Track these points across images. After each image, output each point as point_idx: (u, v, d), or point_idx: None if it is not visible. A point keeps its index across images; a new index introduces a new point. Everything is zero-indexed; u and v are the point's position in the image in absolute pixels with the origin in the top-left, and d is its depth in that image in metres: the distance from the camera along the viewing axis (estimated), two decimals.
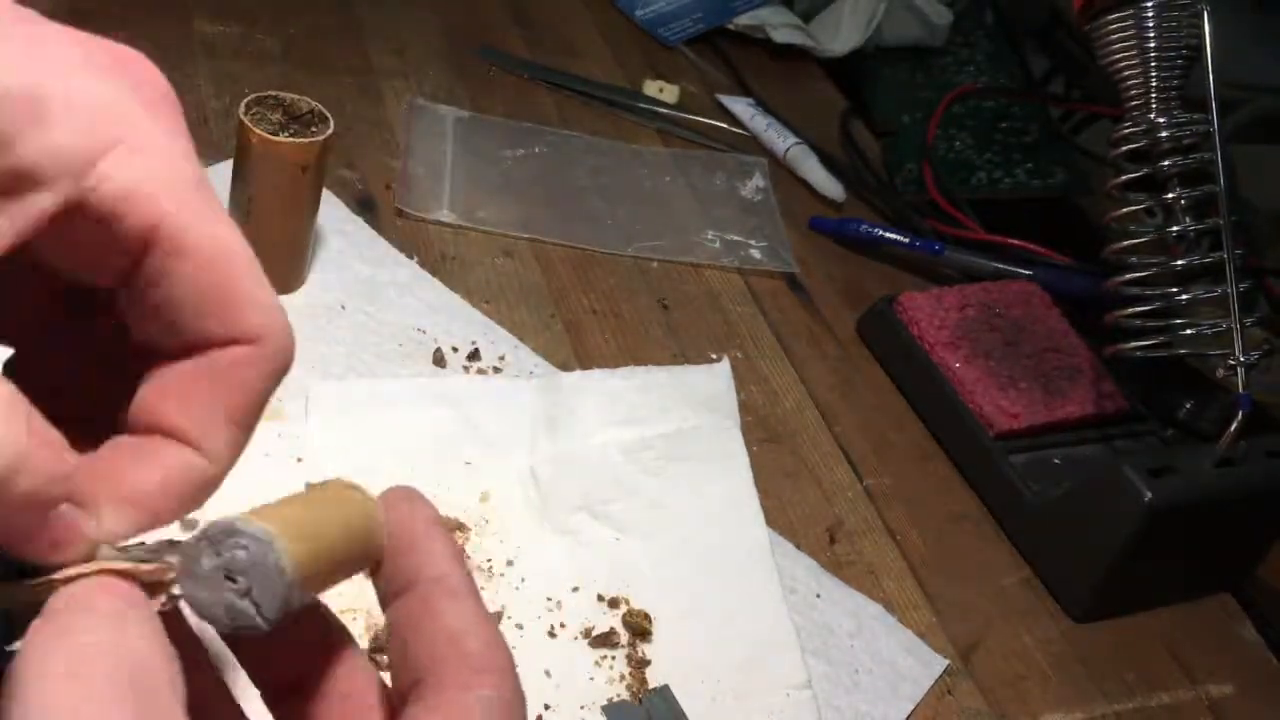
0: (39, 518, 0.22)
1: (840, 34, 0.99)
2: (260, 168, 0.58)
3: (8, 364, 0.27)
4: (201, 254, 0.24)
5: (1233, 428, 0.60)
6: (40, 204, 0.22)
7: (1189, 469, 0.61)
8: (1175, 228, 0.63)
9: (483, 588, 0.54)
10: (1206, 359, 0.66)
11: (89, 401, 0.26)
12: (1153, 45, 0.62)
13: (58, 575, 0.23)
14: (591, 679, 0.52)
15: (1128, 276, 0.65)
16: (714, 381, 0.66)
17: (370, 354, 0.62)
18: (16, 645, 0.21)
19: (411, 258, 0.69)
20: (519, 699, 0.25)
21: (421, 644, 0.25)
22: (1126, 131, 0.64)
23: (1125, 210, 0.66)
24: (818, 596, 0.59)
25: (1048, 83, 1.06)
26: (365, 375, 0.61)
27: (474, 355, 0.64)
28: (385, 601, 0.27)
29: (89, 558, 0.23)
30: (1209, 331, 0.62)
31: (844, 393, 0.72)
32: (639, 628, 0.54)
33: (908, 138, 0.94)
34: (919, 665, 0.58)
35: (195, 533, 0.24)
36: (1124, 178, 0.65)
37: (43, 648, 0.21)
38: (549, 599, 0.54)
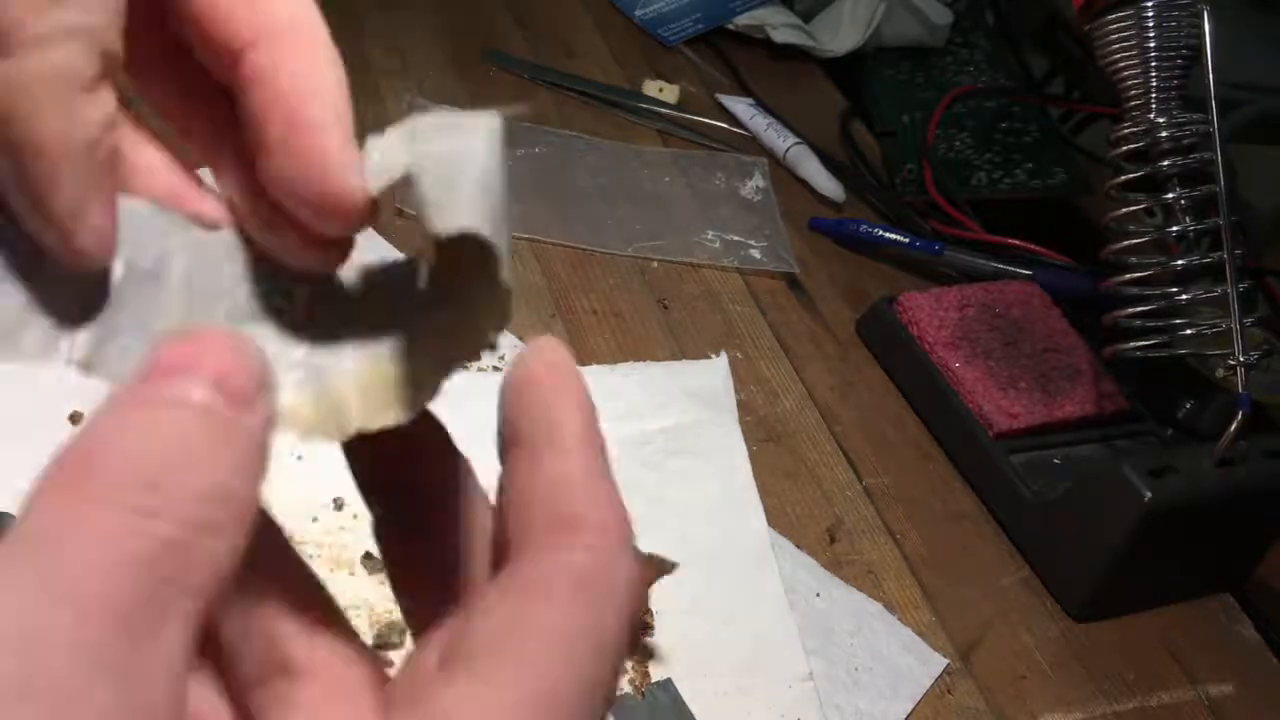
0: None
1: (840, 34, 0.99)
2: None
3: None
4: None
5: (1232, 428, 0.60)
6: None
7: (1189, 469, 0.61)
8: (1175, 228, 0.63)
9: None
10: (1206, 359, 0.66)
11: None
12: (1153, 45, 0.62)
13: None
14: None
15: (1127, 276, 0.65)
16: (712, 377, 0.66)
17: None
18: None
19: None
20: (626, 570, 0.21)
21: (517, 504, 0.22)
22: (1126, 131, 0.64)
23: (1125, 210, 0.66)
24: (817, 596, 0.59)
25: (1048, 83, 1.06)
26: None
27: None
28: (500, 460, 0.23)
29: None
30: (1209, 331, 0.62)
31: (844, 393, 0.72)
32: (641, 622, 0.54)
33: (908, 138, 0.94)
34: (919, 664, 0.58)
35: None
36: (1124, 178, 0.65)
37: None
38: None
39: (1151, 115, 0.63)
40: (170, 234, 0.24)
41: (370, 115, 0.79)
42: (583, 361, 0.67)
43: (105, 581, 0.16)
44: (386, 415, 0.23)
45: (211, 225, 0.25)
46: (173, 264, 0.24)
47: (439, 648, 0.21)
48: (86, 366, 0.23)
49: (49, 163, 0.21)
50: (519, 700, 0.19)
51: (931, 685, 0.57)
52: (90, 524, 0.17)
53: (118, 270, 0.23)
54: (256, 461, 0.19)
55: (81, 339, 0.23)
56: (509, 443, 0.23)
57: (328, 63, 0.24)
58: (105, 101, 0.22)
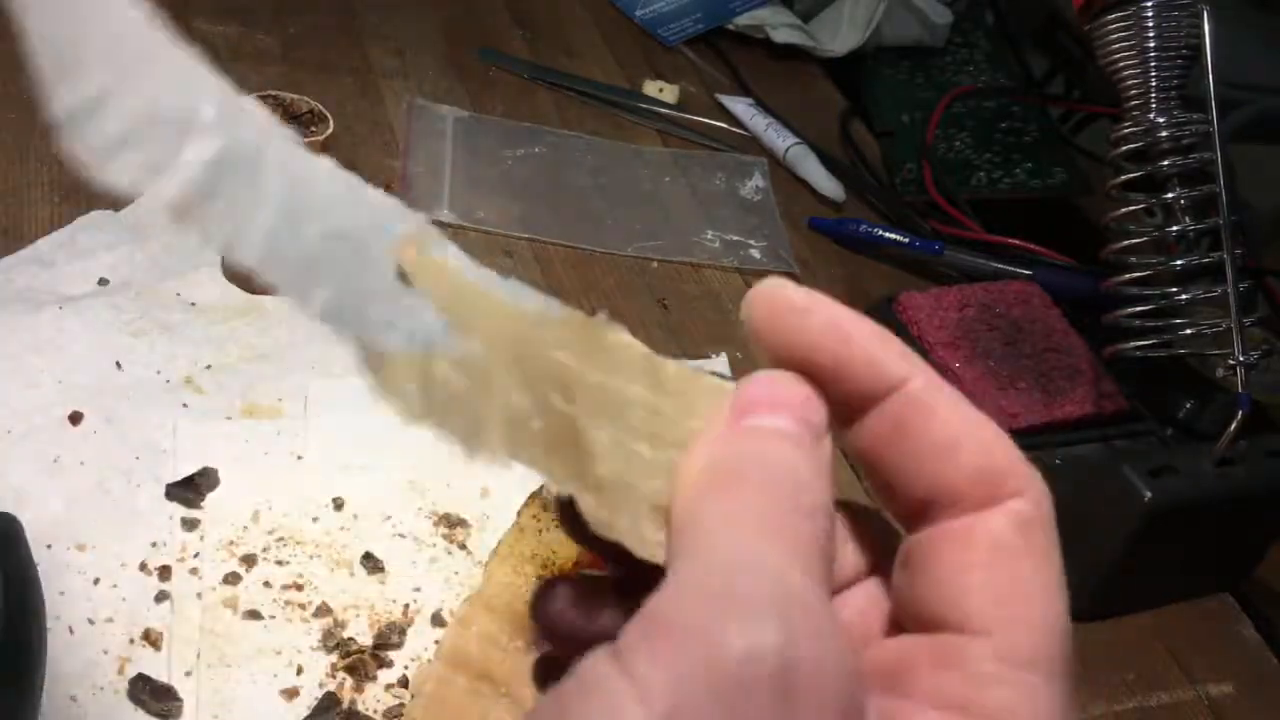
0: None
1: (840, 34, 0.99)
2: None
3: None
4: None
5: (1232, 428, 0.60)
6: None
7: (1189, 469, 0.61)
8: (1175, 228, 0.63)
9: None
10: (1206, 359, 0.66)
11: None
12: (1152, 45, 0.62)
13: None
14: None
15: (1127, 276, 0.65)
16: None
17: None
18: None
19: None
20: (1051, 512, 0.24)
21: (919, 457, 0.23)
22: (1126, 131, 0.64)
23: (1125, 210, 0.66)
24: None
25: (1048, 83, 1.06)
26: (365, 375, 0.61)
27: None
28: (846, 423, 0.24)
29: None
30: (1209, 331, 0.62)
31: None
32: None
33: (907, 138, 0.94)
34: None
35: None
36: (1124, 178, 0.65)
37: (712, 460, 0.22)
38: None
39: (1151, 115, 0.63)
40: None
41: (370, 115, 0.79)
42: None
43: (809, 551, 0.21)
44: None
45: None
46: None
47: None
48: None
49: None
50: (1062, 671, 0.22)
51: None
52: (759, 522, 0.21)
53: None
54: (830, 478, 0.23)
55: None
56: (862, 404, 0.24)
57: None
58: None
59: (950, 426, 0.23)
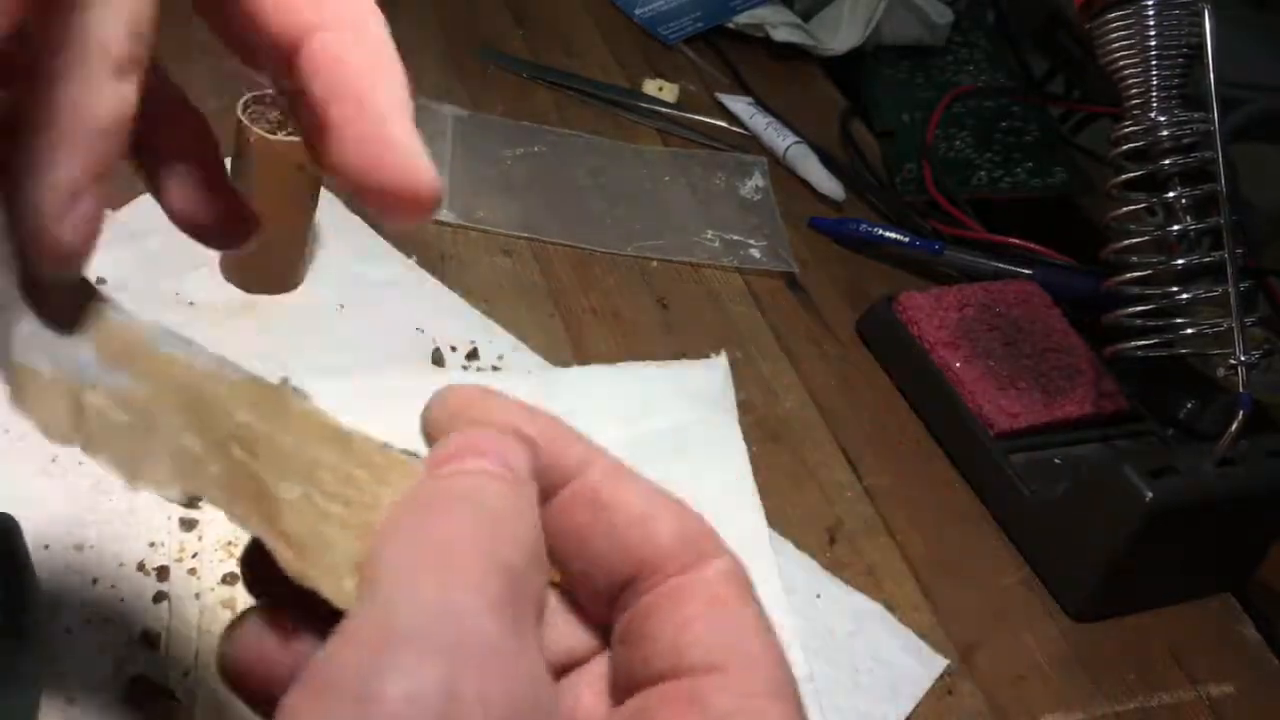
0: None
1: (840, 33, 0.99)
2: (258, 167, 0.57)
3: None
4: None
5: (1233, 428, 0.60)
6: None
7: (1189, 469, 0.61)
8: (1175, 227, 0.63)
9: None
10: (1207, 359, 0.66)
11: None
12: (1153, 44, 0.62)
13: None
14: None
15: (1128, 276, 0.65)
16: (712, 377, 0.66)
17: (368, 353, 0.62)
18: None
19: (410, 257, 0.69)
20: (746, 571, 0.25)
21: (617, 533, 0.24)
22: (1126, 131, 0.64)
23: (1125, 210, 0.66)
24: (817, 597, 0.59)
25: (1048, 83, 1.06)
26: (364, 374, 0.61)
27: (473, 355, 0.64)
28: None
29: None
30: (1209, 331, 0.62)
31: (844, 393, 0.72)
32: None
33: (908, 137, 0.94)
34: (919, 665, 0.58)
35: None
36: (1124, 177, 0.65)
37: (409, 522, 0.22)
38: None
39: (1152, 114, 0.63)
40: None
41: None
42: (583, 361, 0.67)
43: (499, 586, 0.21)
44: None
45: None
46: None
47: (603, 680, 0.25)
48: None
49: (57, 133, 0.20)
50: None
51: (932, 686, 0.57)
52: (465, 547, 0.21)
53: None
54: (537, 519, 0.23)
55: None
56: (545, 493, 0.25)
57: (391, 54, 0.25)
58: (127, 94, 0.21)
59: (642, 500, 0.25)
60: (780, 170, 0.88)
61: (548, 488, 0.24)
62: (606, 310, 0.71)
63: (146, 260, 0.62)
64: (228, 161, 0.59)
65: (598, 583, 0.25)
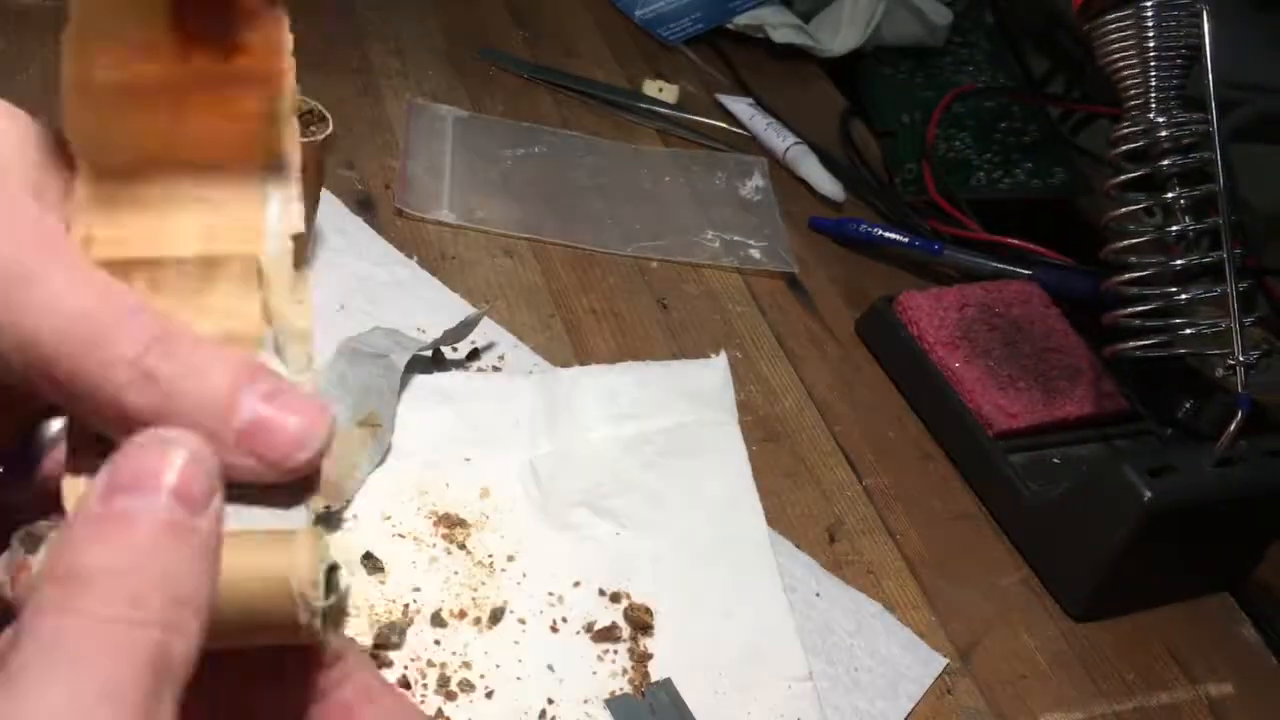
0: None
1: (840, 34, 0.99)
2: None
3: None
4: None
5: (1232, 428, 0.60)
6: None
7: (1188, 469, 0.61)
8: (1175, 227, 0.63)
9: (484, 583, 0.54)
10: (1206, 359, 0.66)
11: None
12: (1152, 45, 0.62)
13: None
14: (594, 673, 0.52)
15: (1127, 276, 0.65)
16: (711, 376, 0.66)
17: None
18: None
19: (411, 257, 0.69)
20: None
21: None
22: (1126, 131, 0.64)
23: (1125, 210, 0.66)
24: (817, 596, 0.59)
25: (1048, 83, 1.06)
26: None
27: (473, 355, 0.64)
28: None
29: None
30: (1208, 331, 0.62)
31: (844, 393, 0.72)
32: (640, 621, 0.54)
33: (907, 138, 0.94)
34: (918, 664, 0.58)
35: None
36: (1123, 177, 0.65)
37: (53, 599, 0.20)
38: (551, 594, 0.54)
39: (1151, 115, 0.63)
40: None
41: (370, 115, 0.79)
42: (582, 361, 0.67)
43: (129, 683, 0.20)
44: None
45: None
46: None
47: None
48: None
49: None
50: None
51: (931, 685, 0.57)
52: (102, 639, 0.20)
53: None
54: (212, 556, 0.22)
55: None
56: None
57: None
58: None
59: None
60: (780, 171, 0.88)
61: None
62: (606, 310, 0.72)
63: None
64: None
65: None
